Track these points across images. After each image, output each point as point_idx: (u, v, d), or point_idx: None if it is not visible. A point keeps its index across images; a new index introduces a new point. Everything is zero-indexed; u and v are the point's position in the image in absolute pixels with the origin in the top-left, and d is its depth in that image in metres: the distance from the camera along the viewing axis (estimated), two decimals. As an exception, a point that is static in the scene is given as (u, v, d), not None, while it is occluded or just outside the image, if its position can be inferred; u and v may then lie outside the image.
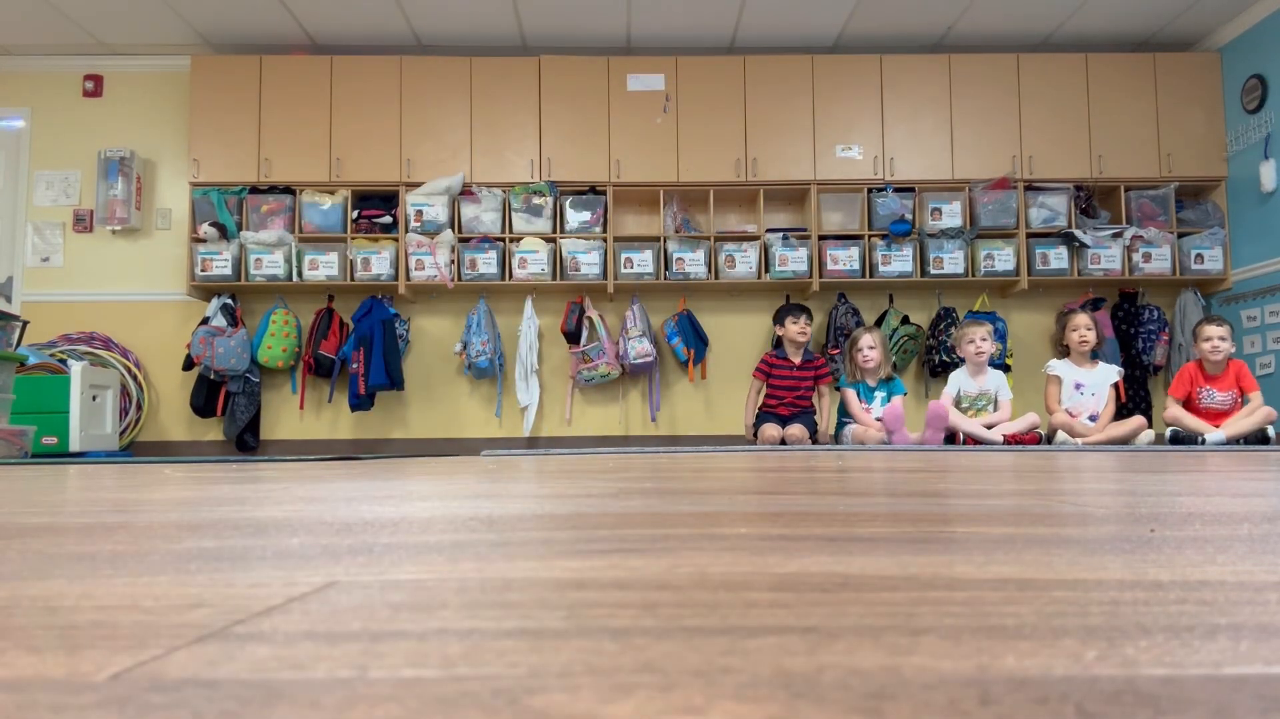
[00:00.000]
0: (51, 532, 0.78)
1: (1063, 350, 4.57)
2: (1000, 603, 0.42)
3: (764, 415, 4.72)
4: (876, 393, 4.59)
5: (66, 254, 5.72)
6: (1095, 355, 4.56)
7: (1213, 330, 4.27)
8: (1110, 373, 4.44)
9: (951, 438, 4.35)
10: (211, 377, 5.34)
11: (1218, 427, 4.17)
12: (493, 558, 0.58)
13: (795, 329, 4.68)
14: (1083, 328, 4.43)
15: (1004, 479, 1.47)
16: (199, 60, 5.56)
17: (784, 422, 4.65)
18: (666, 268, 5.41)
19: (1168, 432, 4.34)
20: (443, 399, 5.69)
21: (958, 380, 4.52)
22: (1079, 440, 4.19)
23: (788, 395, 4.70)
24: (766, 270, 5.41)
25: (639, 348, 5.39)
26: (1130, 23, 5.57)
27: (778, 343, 4.86)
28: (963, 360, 4.60)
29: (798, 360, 4.71)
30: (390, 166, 5.50)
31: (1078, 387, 4.41)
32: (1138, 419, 4.26)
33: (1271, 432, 4.14)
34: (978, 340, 4.44)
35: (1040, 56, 5.65)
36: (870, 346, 4.56)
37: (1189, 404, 4.38)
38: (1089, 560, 0.55)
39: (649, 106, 5.56)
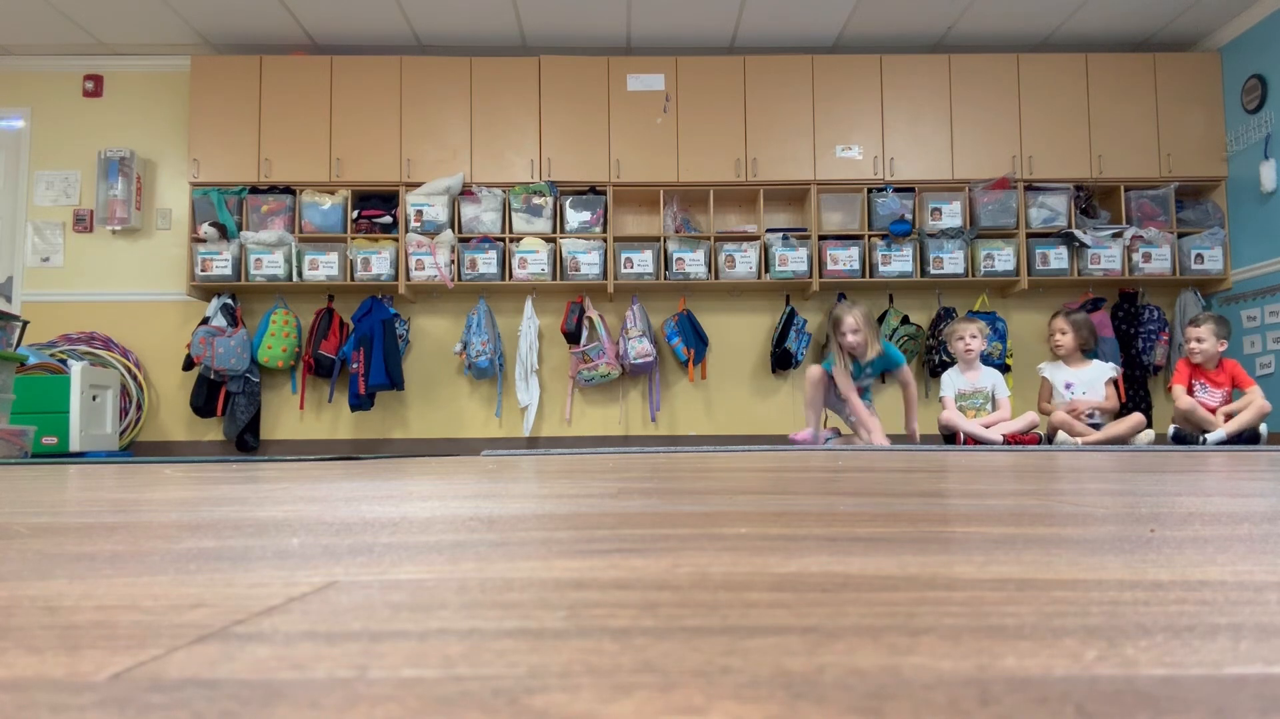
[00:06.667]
0: (51, 532, 0.78)
1: None
2: (1000, 603, 0.42)
3: None
4: (866, 369, 4.33)
5: (66, 254, 5.72)
6: (1095, 354, 4.56)
7: (1190, 331, 4.36)
8: (1104, 370, 4.44)
9: (952, 438, 4.35)
10: (211, 377, 5.34)
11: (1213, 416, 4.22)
12: (493, 558, 0.58)
13: None
14: (1057, 332, 4.45)
15: (1004, 479, 1.47)
16: (199, 60, 5.56)
17: None
18: (666, 268, 5.41)
19: (1170, 430, 4.35)
20: (443, 399, 5.69)
21: (952, 380, 4.51)
22: (1078, 440, 4.19)
23: None
24: (766, 270, 5.41)
25: (639, 348, 5.39)
26: (1130, 23, 5.57)
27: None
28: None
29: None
30: (390, 166, 5.50)
31: (1067, 386, 4.42)
32: (1135, 417, 4.26)
33: (1264, 429, 4.15)
34: (966, 338, 4.43)
35: (1040, 56, 5.65)
36: (853, 330, 4.20)
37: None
38: (1089, 560, 0.55)
39: (649, 106, 5.56)
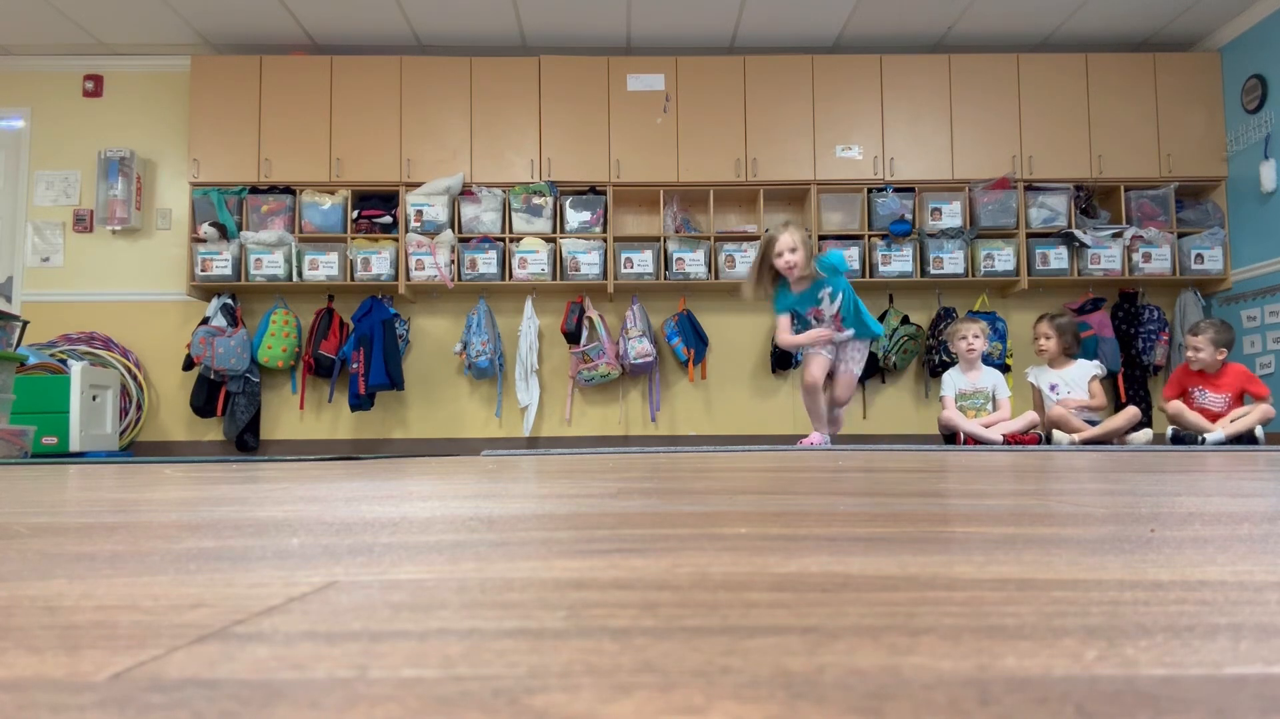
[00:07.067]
0: (51, 532, 0.78)
1: None
2: (1000, 603, 0.42)
3: None
4: (821, 290, 3.80)
5: (66, 254, 5.72)
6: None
7: (1190, 339, 4.39)
8: (1088, 368, 4.44)
9: (952, 438, 4.35)
10: (211, 377, 5.34)
11: (1214, 424, 4.22)
12: (493, 558, 0.58)
13: None
14: (1041, 337, 4.46)
15: (1004, 479, 1.47)
16: (199, 60, 5.56)
17: None
18: (666, 268, 5.41)
19: (1168, 430, 4.36)
20: (443, 399, 5.69)
21: (953, 380, 4.51)
22: (1074, 437, 4.20)
23: None
24: (766, 270, 5.40)
25: (639, 348, 5.39)
26: (1130, 23, 5.57)
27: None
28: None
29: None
30: (390, 166, 5.50)
31: (1052, 388, 4.43)
32: (1130, 410, 4.27)
33: (1260, 432, 4.16)
34: (970, 337, 4.43)
35: (1040, 56, 5.65)
36: (791, 249, 3.66)
37: (1185, 403, 4.42)
38: (1089, 560, 0.55)
39: (649, 106, 5.56)
